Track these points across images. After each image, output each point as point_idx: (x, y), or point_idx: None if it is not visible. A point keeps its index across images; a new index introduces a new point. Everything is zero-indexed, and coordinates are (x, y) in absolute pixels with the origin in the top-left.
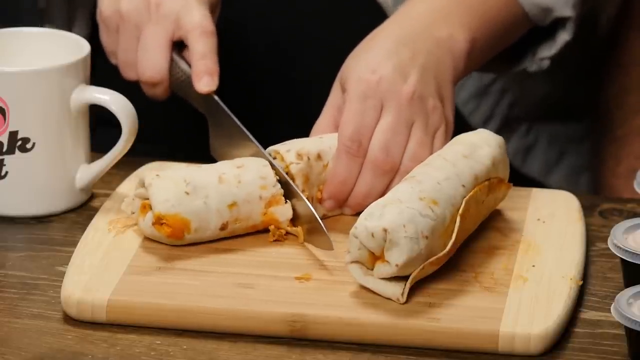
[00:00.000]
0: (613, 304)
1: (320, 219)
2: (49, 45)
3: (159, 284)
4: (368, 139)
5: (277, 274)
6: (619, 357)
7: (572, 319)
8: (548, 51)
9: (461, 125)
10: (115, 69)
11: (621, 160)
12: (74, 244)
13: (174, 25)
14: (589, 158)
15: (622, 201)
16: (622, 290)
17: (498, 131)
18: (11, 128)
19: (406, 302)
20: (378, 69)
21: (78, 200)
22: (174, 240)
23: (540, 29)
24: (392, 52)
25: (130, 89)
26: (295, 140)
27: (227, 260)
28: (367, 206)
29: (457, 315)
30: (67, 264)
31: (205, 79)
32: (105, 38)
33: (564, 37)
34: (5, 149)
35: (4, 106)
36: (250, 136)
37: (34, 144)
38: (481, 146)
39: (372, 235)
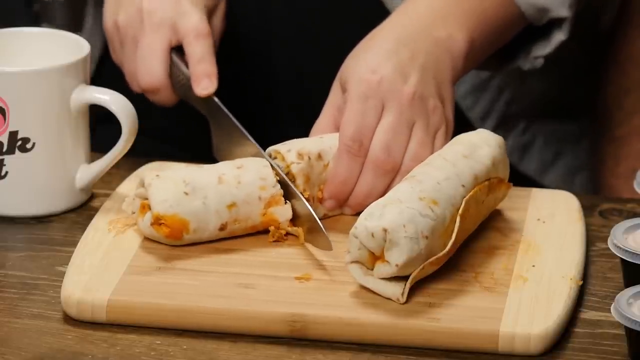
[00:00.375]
0: (613, 304)
1: (321, 219)
2: (49, 45)
3: (159, 284)
4: (369, 139)
5: (277, 274)
6: (619, 357)
7: (572, 319)
8: (542, 50)
9: (459, 120)
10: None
11: (620, 160)
12: (74, 244)
13: (171, 31)
14: (587, 158)
15: (622, 201)
16: (622, 290)
17: (495, 128)
18: (11, 128)
19: (406, 302)
20: (378, 69)
21: (78, 200)
22: (173, 241)
23: (535, 28)
24: (392, 52)
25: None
26: (295, 140)
27: (227, 260)
28: (367, 206)
29: (457, 315)
30: (67, 264)
31: (203, 82)
32: (112, 53)
33: (559, 36)
34: (5, 149)
35: (4, 106)
36: (250, 137)
37: (34, 144)
38: (481, 146)
39: (372, 235)
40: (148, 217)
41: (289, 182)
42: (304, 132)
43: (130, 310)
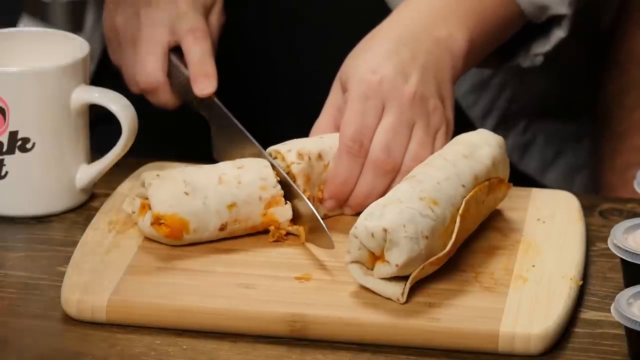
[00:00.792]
0: (613, 304)
1: (321, 219)
2: (49, 45)
3: (159, 284)
4: (369, 139)
5: (277, 274)
6: (619, 357)
7: (572, 319)
8: (542, 47)
9: (460, 119)
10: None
11: (617, 155)
12: (74, 244)
13: (169, 32)
14: (587, 157)
15: (622, 201)
16: (622, 290)
17: (496, 127)
18: (11, 128)
19: (406, 302)
20: (379, 69)
21: (78, 200)
22: (173, 241)
23: (535, 26)
24: (392, 52)
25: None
26: (295, 140)
27: (227, 260)
28: (367, 206)
29: (457, 315)
30: (67, 264)
31: (202, 82)
32: (111, 54)
33: (558, 34)
34: (5, 149)
35: (4, 106)
36: (250, 137)
37: (34, 144)
38: (481, 146)
39: (372, 235)
40: (148, 217)
41: (291, 182)
42: (304, 132)
43: (130, 310)
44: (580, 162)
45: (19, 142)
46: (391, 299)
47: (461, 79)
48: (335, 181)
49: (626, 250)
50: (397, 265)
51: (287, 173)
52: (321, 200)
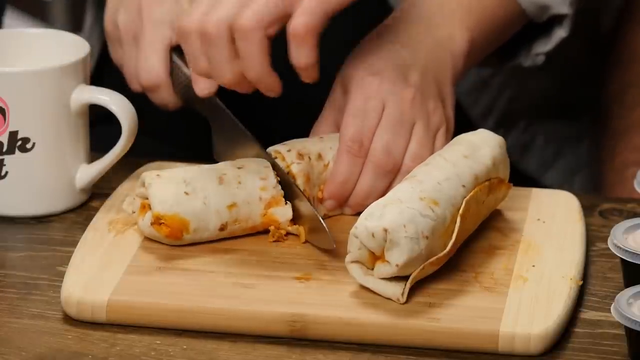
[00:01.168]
0: (613, 304)
1: (321, 219)
2: (49, 45)
3: (159, 284)
4: (369, 139)
5: (277, 274)
6: (619, 357)
7: (572, 319)
8: (543, 47)
9: (461, 118)
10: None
11: (617, 154)
12: (74, 244)
13: (170, 30)
14: (587, 157)
15: (622, 201)
16: (622, 290)
17: (497, 126)
18: (11, 128)
19: (406, 302)
20: (379, 70)
21: (78, 200)
22: (173, 241)
23: (536, 25)
24: (392, 53)
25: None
26: (295, 140)
27: (227, 260)
28: (367, 206)
29: (457, 315)
30: (67, 264)
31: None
32: (112, 53)
33: (560, 33)
34: (5, 149)
35: (4, 106)
36: (251, 137)
37: (34, 144)
38: (481, 146)
39: (373, 235)
40: (148, 217)
41: (292, 182)
42: (304, 132)
43: (130, 310)
44: (580, 162)
45: (19, 142)
46: (391, 299)
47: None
48: (336, 181)
49: (626, 250)
50: (397, 266)
51: (287, 173)
52: (321, 200)
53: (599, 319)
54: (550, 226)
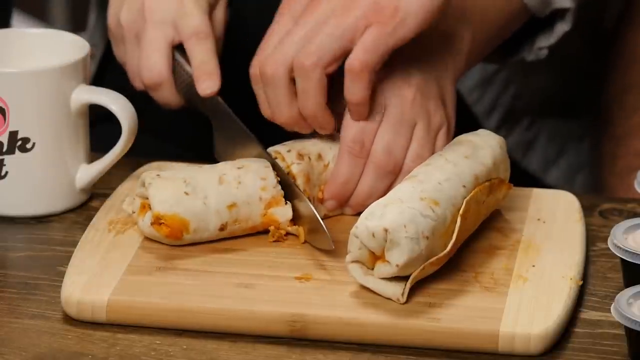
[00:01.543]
0: (613, 304)
1: (322, 219)
2: (49, 45)
3: (159, 284)
4: (371, 140)
5: (277, 274)
6: (619, 357)
7: (572, 319)
8: (546, 41)
9: (465, 115)
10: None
11: (618, 159)
12: (74, 244)
13: (173, 30)
14: (587, 156)
15: (622, 201)
16: (622, 290)
17: (501, 123)
18: (11, 128)
19: (406, 302)
20: (380, 70)
21: (78, 200)
22: (173, 241)
23: (539, 19)
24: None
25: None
26: (295, 140)
27: (227, 260)
28: (368, 206)
29: (457, 315)
30: (67, 264)
31: (205, 82)
32: (115, 51)
33: (562, 27)
34: (5, 149)
35: (4, 106)
36: (253, 137)
37: (34, 144)
38: (482, 147)
39: (373, 235)
40: (148, 216)
41: (293, 182)
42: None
43: (130, 310)
44: (582, 161)
45: (19, 142)
46: (391, 299)
47: (466, 75)
48: (337, 182)
49: (626, 250)
50: (397, 266)
51: (287, 173)
52: (321, 201)
53: (599, 319)
54: (550, 226)
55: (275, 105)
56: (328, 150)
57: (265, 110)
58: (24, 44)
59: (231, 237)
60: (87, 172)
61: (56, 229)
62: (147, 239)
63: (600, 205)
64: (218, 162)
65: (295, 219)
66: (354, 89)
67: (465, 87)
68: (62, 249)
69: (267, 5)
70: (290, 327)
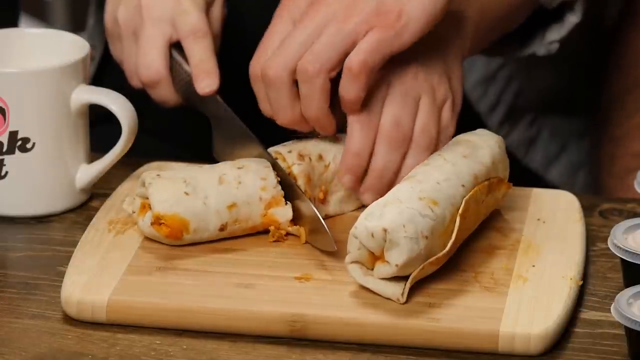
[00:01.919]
0: (613, 304)
1: (323, 219)
2: (49, 45)
3: (159, 284)
4: (377, 111)
5: (277, 274)
6: (619, 357)
7: (572, 319)
8: (557, 34)
9: (468, 112)
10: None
11: (617, 160)
12: (74, 244)
13: (170, 28)
14: (587, 155)
15: (622, 201)
16: (622, 290)
17: (503, 120)
18: (11, 128)
19: (406, 302)
20: None
21: (78, 200)
22: (173, 241)
23: (549, 13)
24: None
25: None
26: (296, 141)
27: (227, 260)
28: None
29: (457, 315)
30: (67, 264)
31: (204, 80)
32: (112, 49)
33: (572, 19)
34: (5, 149)
35: (4, 106)
36: (253, 136)
37: (34, 144)
38: (481, 146)
39: (372, 235)
40: (148, 216)
41: (293, 182)
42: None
43: (130, 310)
44: (583, 158)
45: (19, 142)
46: (391, 299)
47: (469, 72)
48: (350, 152)
49: (626, 250)
50: (397, 266)
51: (288, 174)
52: (322, 201)
53: (599, 319)
54: (550, 226)
55: (277, 107)
56: (329, 150)
57: (265, 108)
58: (24, 44)
59: (231, 237)
60: (87, 172)
61: (56, 229)
62: (147, 239)
63: (600, 205)
64: (217, 161)
65: (296, 219)
66: (350, 88)
67: (469, 84)
68: (62, 249)
69: (264, 2)
70: (290, 327)
